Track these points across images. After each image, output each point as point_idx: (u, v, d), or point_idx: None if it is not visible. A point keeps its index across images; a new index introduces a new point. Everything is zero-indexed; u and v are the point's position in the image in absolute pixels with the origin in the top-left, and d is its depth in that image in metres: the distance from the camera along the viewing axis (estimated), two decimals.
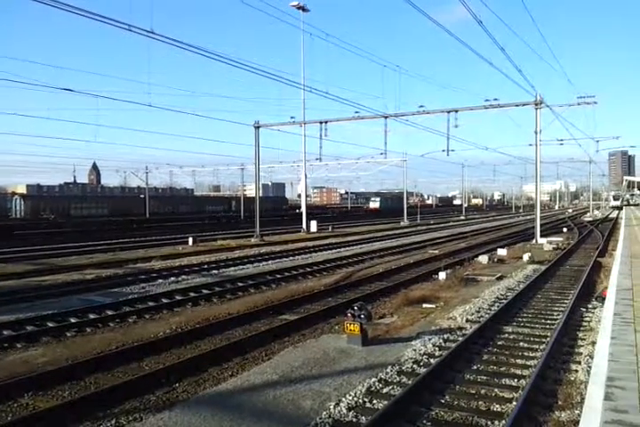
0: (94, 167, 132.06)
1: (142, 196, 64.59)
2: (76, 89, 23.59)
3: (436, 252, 23.86)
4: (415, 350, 8.64)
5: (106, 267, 18.99)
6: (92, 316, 11.39)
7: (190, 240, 28.26)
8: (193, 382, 7.42)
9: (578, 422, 4.16)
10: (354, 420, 5.99)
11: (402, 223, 51.99)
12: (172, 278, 16.58)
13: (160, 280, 16.23)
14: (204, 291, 14.30)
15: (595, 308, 11.32)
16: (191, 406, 6.47)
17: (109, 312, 11.72)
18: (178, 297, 13.43)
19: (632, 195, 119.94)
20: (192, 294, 13.80)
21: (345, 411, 6.19)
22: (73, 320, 10.97)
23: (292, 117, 33.66)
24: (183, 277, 16.94)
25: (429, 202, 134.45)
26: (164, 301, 13.01)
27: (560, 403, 6.29)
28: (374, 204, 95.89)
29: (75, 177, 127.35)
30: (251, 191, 77.60)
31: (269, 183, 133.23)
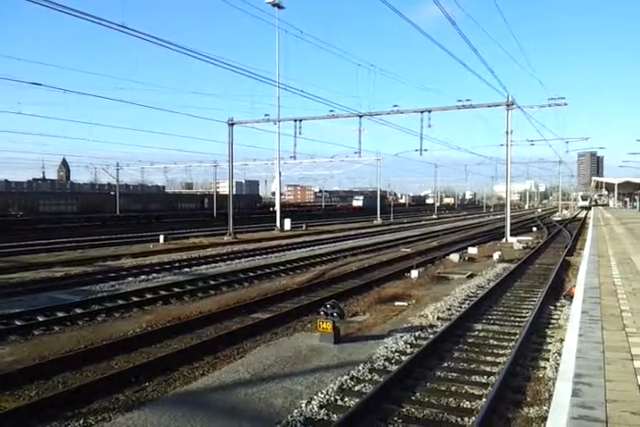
0: (64, 163, 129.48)
1: (113, 193, 63.64)
2: (45, 83, 23.12)
3: (409, 250, 24.03)
4: (387, 347, 8.68)
5: (75, 265, 18.68)
6: (60, 314, 11.17)
7: (161, 238, 27.93)
8: (163, 381, 7.33)
9: (546, 418, 4.23)
10: (325, 418, 5.98)
11: (375, 222, 52.23)
12: (143, 277, 16.36)
13: (130, 278, 16.02)
14: (176, 289, 14.15)
15: (563, 306, 11.53)
16: (161, 405, 6.39)
17: (78, 310, 11.51)
18: (148, 295, 13.26)
19: (600, 195, 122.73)
20: (163, 293, 13.63)
21: (316, 409, 6.18)
22: (41, 319, 10.75)
23: (266, 115, 33.49)
24: (154, 275, 16.74)
25: (402, 201, 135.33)
26: (135, 299, 12.83)
27: (529, 399, 6.39)
28: (358, 202, 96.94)
29: (44, 173, 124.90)
30: (224, 189, 77.07)
31: (243, 181, 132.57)
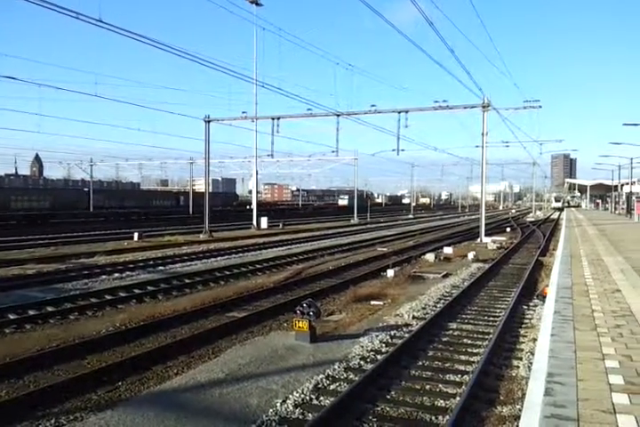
0: (37, 159, 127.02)
1: (86, 189, 62.67)
2: (19, 77, 22.67)
3: (385, 249, 24.15)
4: (362, 346, 8.71)
5: (47, 262, 18.36)
6: (31, 312, 10.97)
7: (136, 235, 27.60)
8: (136, 380, 7.24)
9: (519, 416, 4.28)
10: (300, 417, 5.98)
11: (352, 221, 52.34)
12: (116, 275, 16.16)
13: (104, 276, 15.81)
14: (150, 288, 14.00)
15: (536, 306, 11.70)
16: (134, 405, 6.32)
17: (50, 309, 11.33)
18: (122, 294, 13.10)
19: (573, 197, 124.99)
20: (136, 291, 13.48)
21: (292, 408, 6.17)
22: (12, 317, 10.54)
23: (243, 112, 33.33)
24: (128, 273, 16.54)
25: (379, 200, 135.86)
26: (108, 297, 12.66)
27: (502, 398, 6.46)
28: (343, 201, 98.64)
29: (16, 169, 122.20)
30: (200, 186, 76.49)
31: (220, 179, 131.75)
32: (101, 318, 10.86)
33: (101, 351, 8.50)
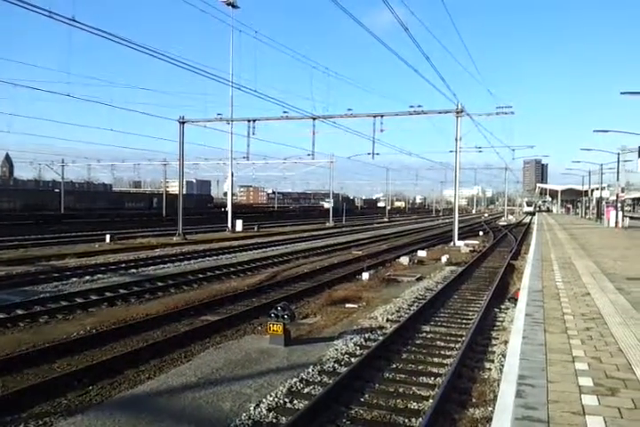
0: (7, 159, 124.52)
1: (57, 190, 61.63)
2: None
3: (360, 253, 24.22)
4: (337, 349, 8.71)
5: (17, 264, 18.00)
6: (0, 315, 10.72)
7: (107, 238, 27.21)
8: (108, 384, 7.13)
9: (491, 418, 4.32)
10: (274, 421, 5.95)
11: (327, 224, 52.43)
12: (88, 277, 15.90)
13: (74, 279, 15.54)
14: (121, 290, 13.81)
15: (507, 308, 11.85)
16: (105, 409, 6.21)
17: (19, 312, 11.10)
18: (93, 297, 12.89)
19: (544, 201, 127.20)
20: (108, 294, 13.28)
21: (265, 412, 6.14)
22: None
23: (219, 114, 33.14)
24: (99, 275, 16.30)
25: (356, 204, 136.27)
26: (79, 300, 12.46)
27: (474, 400, 6.52)
28: (328, 204, 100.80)
29: None
30: (174, 188, 75.84)
31: (194, 180, 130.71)
32: (72, 322, 10.67)
33: (72, 355, 8.35)
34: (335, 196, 65.21)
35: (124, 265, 18.53)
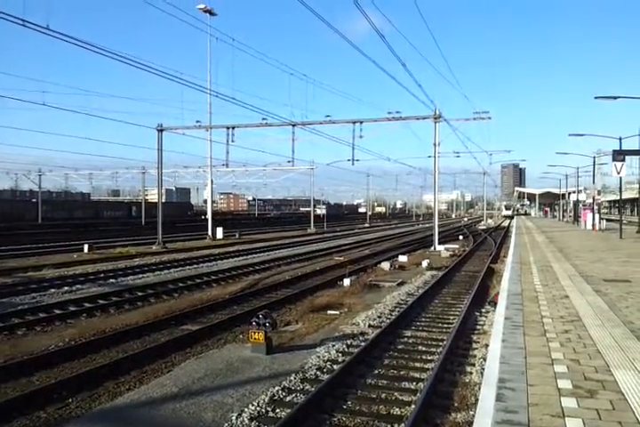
0: None
1: (34, 200, 60.74)
2: None
3: (342, 258, 24.24)
4: (319, 356, 8.69)
5: None
6: None
7: (86, 247, 26.86)
8: (87, 397, 7.02)
9: (472, 422, 4.33)
10: None
11: (309, 230, 52.41)
12: (66, 288, 15.68)
13: (52, 290, 15.30)
14: (100, 301, 13.63)
15: (487, 312, 11.94)
16: (85, 422, 6.13)
17: None
18: (71, 308, 12.72)
19: (522, 205, 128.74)
20: (87, 305, 13.10)
21: (247, 421, 6.09)
22: None
23: (197, 121, 32.98)
24: (77, 286, 16.07)
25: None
26: (57, 312, 12.27)
27: (456, 405, 6.55)
28: (321, 210, 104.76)
29: None
30: (153, 196, 75.20)
31: (173, 188, 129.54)
32: (50, 333, 10.51)
33: (51, 368, 8.22)
34: (327, 203, 65.32)
35: (102, 275, 18.29)
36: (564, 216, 68.40)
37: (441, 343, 9.46)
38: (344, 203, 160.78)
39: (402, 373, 7.92)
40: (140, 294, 14.82)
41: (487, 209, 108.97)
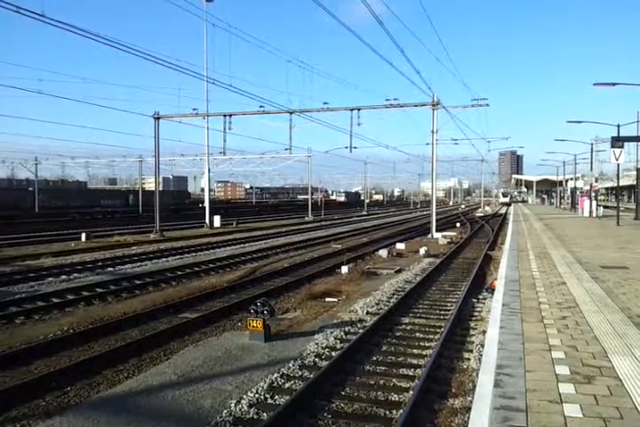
0: None
1: (31, 188, 60.53)
2: None
3: (339, 246, 24.25)
4: (317, 343, 8.71)
5: None
6: None
7: (83, 236, 26.82)
8: (86, 385, 7.04)
9: (470, 408, 4.35)
10: (255, 417, 5.94)
11: (306, 218, 52.38)
12: (64, 277, 15.67)
13: (50, 278, 15.30)
14: (98, 289, 13.63)
15: (485, 298, 11.97)
16: (84, 410, 6.14)
17: None
18: (70, 296, 12.71)
19: (520, 192, 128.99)
20: (85, 293, 13.10)
21: (246, 408, 6.12)
22: None
23: (194, 109, 32.81)
24: (75, 275, 16.06)
25: (333, 197, 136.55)
26: (55, 300, 12.27)
27: (454, 391, 6.58)
28: (341, 198, 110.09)
29: None
30: (150, 184, 75.04)
31: (170, 177, 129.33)
32: (49, 322, 10.52)
33: (49, 356, 8.23)
34: (324, 191, 65.48)
35: (100, 264, 18.28)
36: (561, 203, 68.49)
37: (439, 330, 9.50)
38: (341, 190, 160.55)
39: (400, 359, 7.95)
40: (138, 282, 14.82)
41: (485, 196, 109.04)
